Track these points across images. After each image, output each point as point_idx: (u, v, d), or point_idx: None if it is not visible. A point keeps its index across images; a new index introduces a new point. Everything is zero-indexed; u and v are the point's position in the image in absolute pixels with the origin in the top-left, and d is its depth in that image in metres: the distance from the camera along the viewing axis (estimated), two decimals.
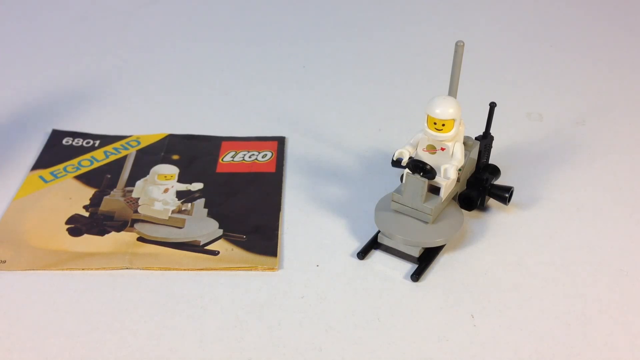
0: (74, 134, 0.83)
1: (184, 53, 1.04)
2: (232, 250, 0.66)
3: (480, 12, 1.20)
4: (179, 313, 0.60)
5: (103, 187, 0.74)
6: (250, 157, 0.80)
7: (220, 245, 0.67)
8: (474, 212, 0.72)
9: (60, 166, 0.77)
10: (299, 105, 0.91)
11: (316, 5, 1.21)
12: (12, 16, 1.13)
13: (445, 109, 0.60)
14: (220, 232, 0.69)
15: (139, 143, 0.82)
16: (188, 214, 0.71)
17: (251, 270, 0.64)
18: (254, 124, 0.86)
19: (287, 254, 0.66)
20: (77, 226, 0.69)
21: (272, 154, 0.80)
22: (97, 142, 0.82)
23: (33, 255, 0.65)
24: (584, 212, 0.72)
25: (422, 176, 0.63)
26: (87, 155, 0.79)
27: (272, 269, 0.64)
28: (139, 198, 0.73)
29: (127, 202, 0.72)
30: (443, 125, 0.61)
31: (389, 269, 0.65)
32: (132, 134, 0.83)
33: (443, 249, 0.67)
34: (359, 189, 0.75)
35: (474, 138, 0.69)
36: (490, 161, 0.74)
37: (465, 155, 0.66)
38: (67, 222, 0.69)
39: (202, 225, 0.70)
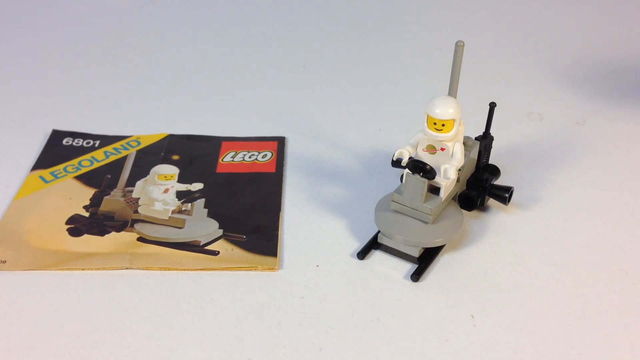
0: (74, 134, 0.83)
1: (184, 53, 1.04)
2: (232, 250, 0.66)
3: (480, 12, 1.20)
4: (179, 313, 0.60)
5: (103, 187, 0.74)
6: (250, 157, 0.80)
7: (220, 246, 0.67)
8: (474, 212, 0.72)
9: (61, 166, 0.77)
10: (299, 105, 0.91)
11: (316, 5, 1.20)
12: (13, 16, 1.13)
13: (445, 109, 0.60)
14: (220, 232, 0.69)
15: (139, 143, 0.82)
16: (188, 214, 0.71)
17: (251, 270, 0.64)
18: (254, 124, 0.86)
19: (287, 254, 0.66)
20: (77, 226, 0.69)
21: (272, 154, 0.80)
22: (97, 142, 0.82)
23: (33, 255, 0.65)
24: (584, 212, 0.72)
25: (422, 176, 0.63)
26: (87, 156, 0.79)
27: (272, 269, 0.64)
28: (139, 198, 0.73)
29: (127, 202, 0.72)
30: (443, 125, 0.61)
31: (389, 269, 0.65)
32: (132, 134, 0.83)
33: (443, 249, 0.67)
34: (359, 189, 0.75)
35: (474, 138, 0.70)
36: (490, 161, 0.74)
37: (465, 155, 0.66)
38: (67, 222, 0.69)
39: (202, 225, 0.70)
